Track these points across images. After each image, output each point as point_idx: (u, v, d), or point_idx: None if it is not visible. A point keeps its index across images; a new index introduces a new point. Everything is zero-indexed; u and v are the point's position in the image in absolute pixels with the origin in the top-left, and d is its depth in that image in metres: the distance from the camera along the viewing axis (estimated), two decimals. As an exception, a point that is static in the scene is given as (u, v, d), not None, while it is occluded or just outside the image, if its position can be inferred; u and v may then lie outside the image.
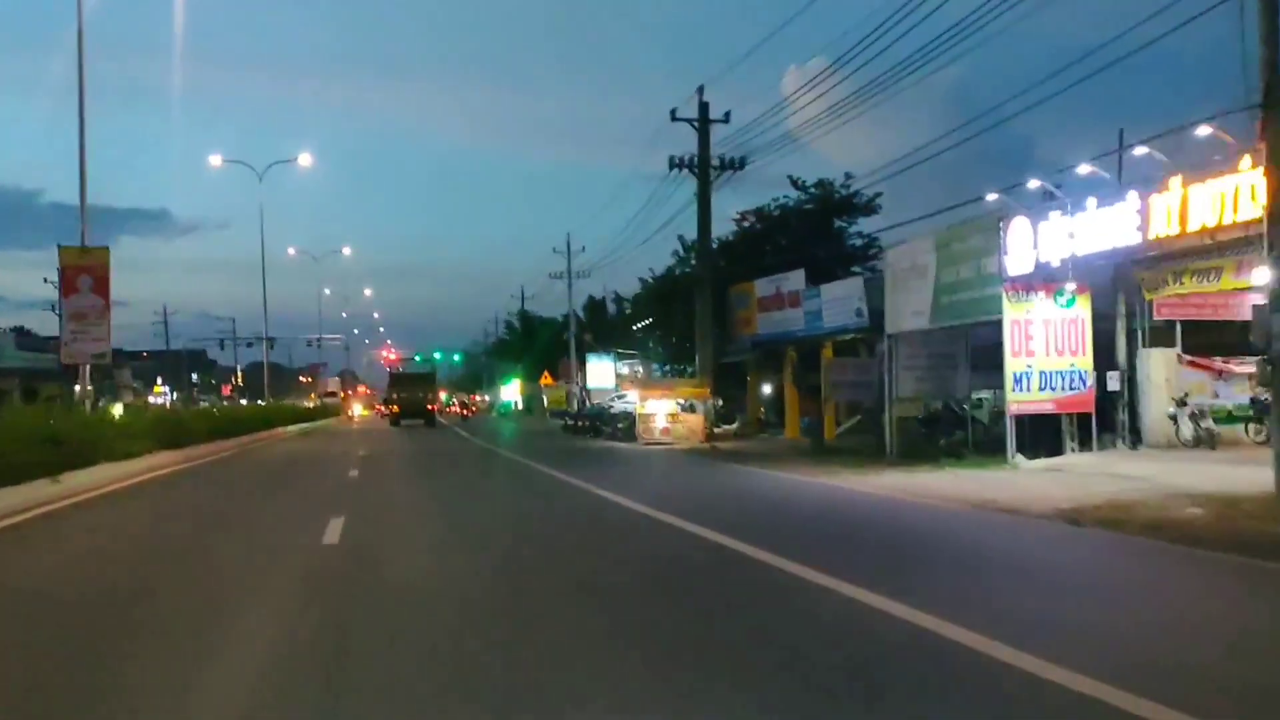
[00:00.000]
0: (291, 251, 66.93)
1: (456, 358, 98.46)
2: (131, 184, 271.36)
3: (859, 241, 35.09)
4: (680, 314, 34.70)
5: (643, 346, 59.06)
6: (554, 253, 61.11)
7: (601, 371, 61.42)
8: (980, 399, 22.98)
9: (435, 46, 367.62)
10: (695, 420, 29.80)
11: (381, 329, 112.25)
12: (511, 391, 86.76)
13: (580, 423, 38.63)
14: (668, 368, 40.07)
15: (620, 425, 33.24)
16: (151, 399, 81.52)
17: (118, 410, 37.41)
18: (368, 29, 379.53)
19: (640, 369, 58.97)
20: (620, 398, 43.04)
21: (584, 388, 59.79)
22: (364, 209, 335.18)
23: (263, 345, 48.49)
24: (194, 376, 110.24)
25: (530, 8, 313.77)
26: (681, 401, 30.13)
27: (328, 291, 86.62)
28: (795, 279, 30.00)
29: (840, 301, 27.31)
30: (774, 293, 31.14)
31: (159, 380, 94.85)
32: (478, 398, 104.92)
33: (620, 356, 61.63)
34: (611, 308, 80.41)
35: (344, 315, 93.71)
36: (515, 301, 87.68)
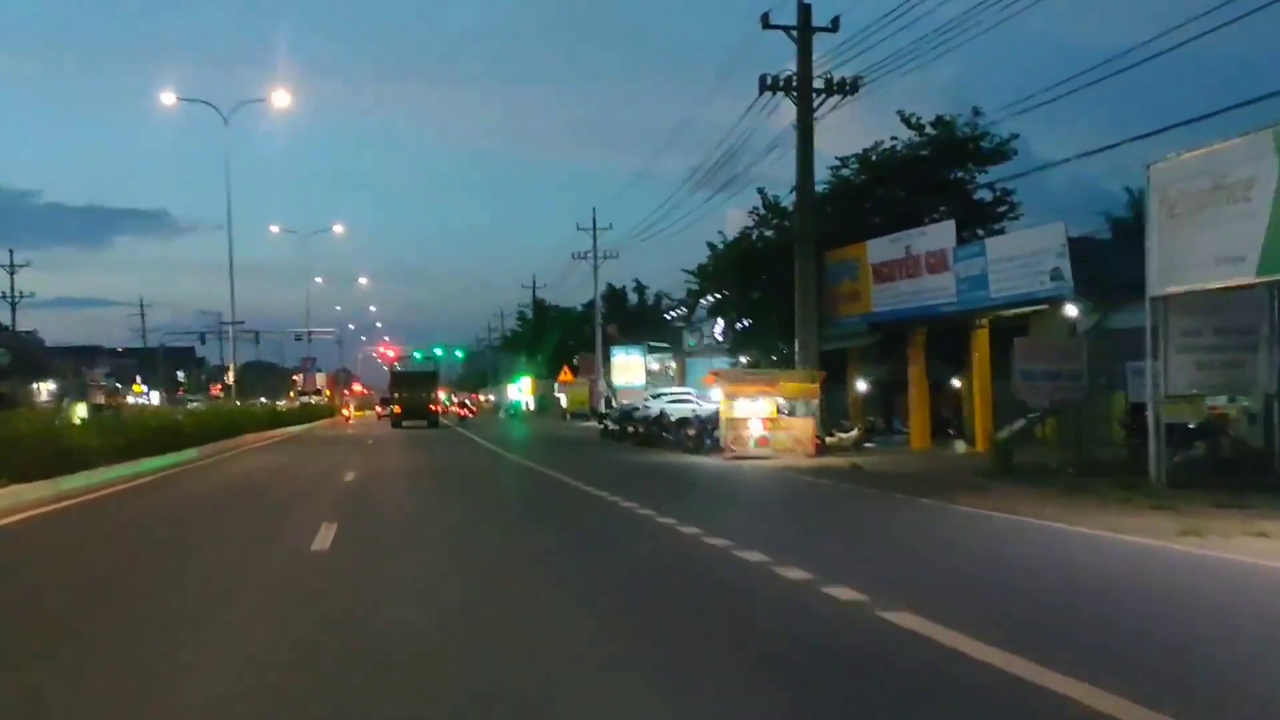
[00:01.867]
0: (274, 229, 59.01)
1: (459, 354, 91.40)
2: (133, 184, 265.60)
3: (987, 196, 27.29)
4: (767, 287, 26.86)
5: (674, 337, 51.44)
6: (578, 230, 53.40)
7: (630, 367, 54.03)
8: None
9: (434, 44, 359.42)
10: (802, 426, 22.04)
11: (379, 324, 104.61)
12: (521, 390, 79.18)
13: (632, 428, 30.22)
14: (736, 360, 32.00)
15: (688, 432, 25.33)
16: (131, 399, 74.21)
17: (80, 413, 29.53)
18: (368, 28, 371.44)
19: (674, 364, 51.43)
20: (657, 396, 35.61)
21: (611, 385, 52.17)
22: (363, 209, 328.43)
23: (231, 332, 40.55)
24: (180, 375, 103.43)
25: (530, 4, 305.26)
26: (781, 402, 22.39)
27: (319, 279, 78.41)
28: (940, 234, 22.18)
29: (1021, 261, 19.50)
30: (901, 255, 23.24)
31: (138, 379, 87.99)
32: (480, 397, 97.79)
33: (652, 349, 54.09)
34: (633, 297, 72.93)
35: (337, 309, 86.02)
36: (525, 293, 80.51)
